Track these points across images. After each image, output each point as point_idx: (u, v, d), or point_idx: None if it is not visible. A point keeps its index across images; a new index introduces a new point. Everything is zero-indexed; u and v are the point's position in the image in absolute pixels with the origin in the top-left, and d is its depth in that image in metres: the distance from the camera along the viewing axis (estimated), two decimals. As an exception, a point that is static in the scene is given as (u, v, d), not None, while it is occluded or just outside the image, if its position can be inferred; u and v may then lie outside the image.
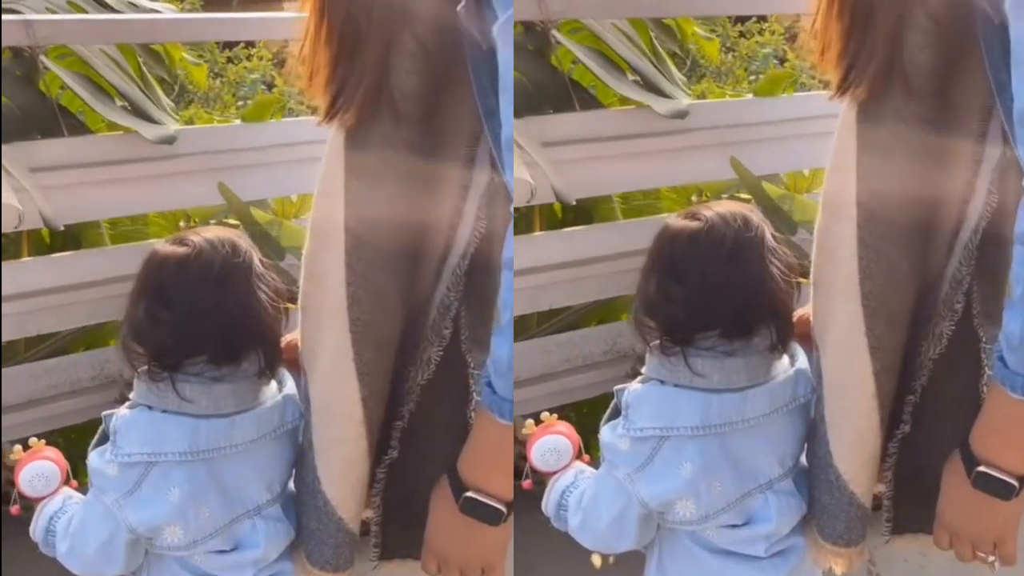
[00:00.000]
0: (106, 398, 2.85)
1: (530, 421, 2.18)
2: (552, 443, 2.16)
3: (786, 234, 3.06)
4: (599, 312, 3.05)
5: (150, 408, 2.04)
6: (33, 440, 2.19)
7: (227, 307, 2.02)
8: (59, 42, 2.58)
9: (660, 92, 3.15)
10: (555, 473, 2.15)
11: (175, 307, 2.01)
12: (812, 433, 2.07)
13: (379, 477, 2.04)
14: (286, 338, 2.09)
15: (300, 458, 2.06)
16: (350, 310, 1.94)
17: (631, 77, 3.16)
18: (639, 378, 2.09)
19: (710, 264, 2.01)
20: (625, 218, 3.11)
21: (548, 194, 2.92)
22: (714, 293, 2.01)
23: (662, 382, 2.05)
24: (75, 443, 2.82)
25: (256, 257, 2.06)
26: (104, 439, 2.09)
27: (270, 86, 3.39)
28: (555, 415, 2.21)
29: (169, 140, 2.72)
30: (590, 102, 3.12)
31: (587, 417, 2.76)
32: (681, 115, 3.07)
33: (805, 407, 2.09)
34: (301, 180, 3.00)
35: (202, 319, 2.01)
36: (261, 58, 3.48)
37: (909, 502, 2.07)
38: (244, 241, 2.06)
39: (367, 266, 1.92)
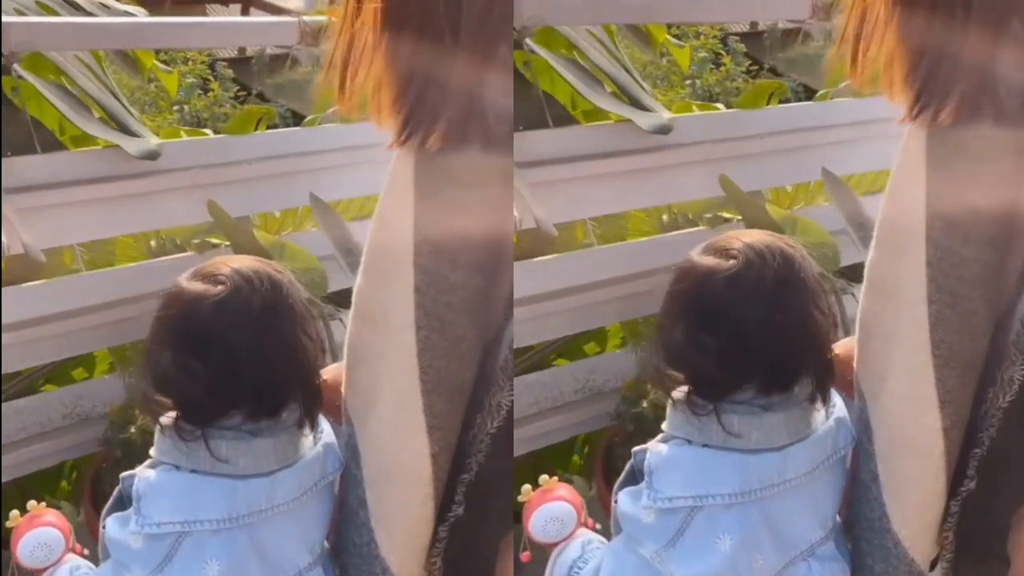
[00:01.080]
0: (80, 438, 2.61)
1: (527, 486, 1.96)
2: (554, 511, 1.95)
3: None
4: (568, 348, 2.84)
5: (177, 468, 1.81)
6: (32, 504, 1.94)
7: (269, 354, 1.79)
8: (38, 48, 2.31)
9: (640, 105, 2.95)
10: (557, 544, 1.94)
11: (211, 357, 1.78)
12: (860, 492, 1.86)
13: (441, 536, 1.84)
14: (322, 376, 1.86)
15: (347, 517, 1.85)
16: (420, 356, 1.74)
17: (608, 89, 2.97)
18: (660, 436, 1.87)
19: (750, 310, 1.79)
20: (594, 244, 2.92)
21: (529, 221, 2.73)
22: (754, 343, 1.79)
23: (689, 441, 1.83)
24: (48, 488, 2.60)
25: (299, 294, 1.83)
26: (121, 503, 1.85)
27: (205, 90, 3.17)
28: (554, 478, 2.00)
29: (153, 155, 2.47)
30: (565, 118, 2.92)
31: (558, 463, 2.67)
32: (665, 130, 2.86)
33: (843, 459, 1.89)
34: (286, 194, 2.80)
35: (242, 369, 1.78)
36: (196, 61, 3.24)
37: (970, 565, 1.89)
38: (284, 276, 1.83)
39: (443, 308, 1.72)
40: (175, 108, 2.97)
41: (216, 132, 2.80)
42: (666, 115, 2.90)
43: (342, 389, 1.84)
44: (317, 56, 3.00)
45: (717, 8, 3.10)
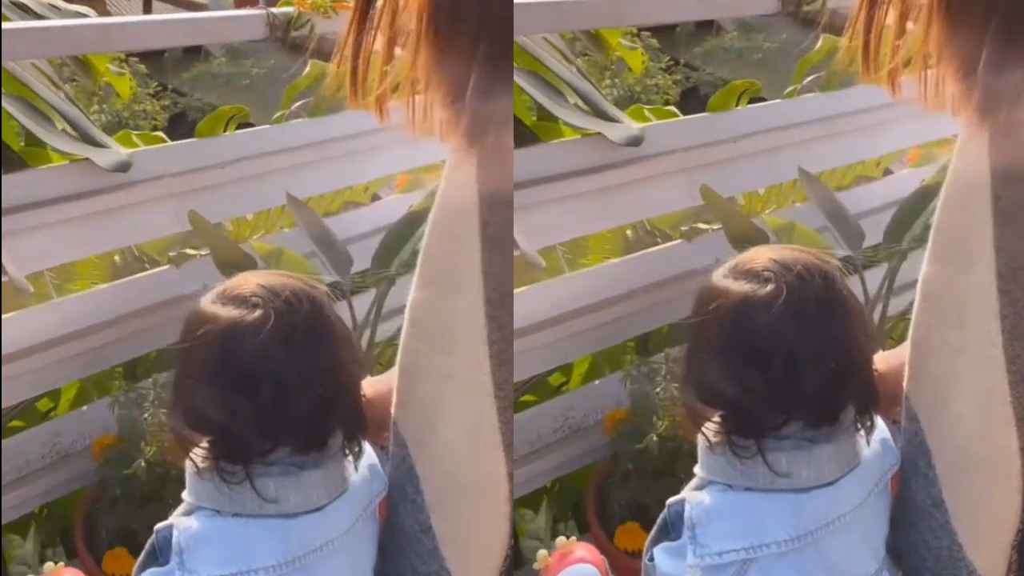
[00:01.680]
0: (59, 478, 2.42)
1: (543, 552, 1.83)
2: (579, 574, 1.81)
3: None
4: (538, 387, 2.68)
5: (218, 512, 1.64)
6: (48, 566, 1.79)
7: (317, 380, 1.64)
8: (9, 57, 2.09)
9: (605, 116, 2.78)
10: None
11: (257, 390, 1.62)
12: (919, 520, 1.72)
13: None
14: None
15: (405, 543, 1.71)
16: (495, 374, 1.56)
17: (571, 100, 2.82)
18: (693, 483, 1.71)
19: (796, 338, 1.62)
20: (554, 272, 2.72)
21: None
22: (803, 374, 1.63)
23: (730, 486, 1.67)
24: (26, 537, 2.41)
25: (335, 310, 1.69)
26: (154, 555, 1.67)
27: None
28: (573, 537, 1.89)
29: (124, 167, 2.27)
30: (526, 135, 2.75)
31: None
32: (636, 142, 2.68)
33: (888, 483, 1.74)
34: (259, 196, 2.62)
35: (290, 400, 1.62)
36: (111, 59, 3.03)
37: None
38: (319, 291, 1.68)
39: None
40: (94, 110, 2.78)
41: (138, 130, 2.62)
42: (635, 126, 2.72)
43: (392, 408, 1.69)
44: (233, 48, 2.83)
45: (685, 6, 2.98)
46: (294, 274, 1.72)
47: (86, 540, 2.31)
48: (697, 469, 1.71)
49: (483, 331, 1.59)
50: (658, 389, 2.60)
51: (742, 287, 1.64)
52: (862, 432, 1.70)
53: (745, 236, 2.65)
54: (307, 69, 2.62)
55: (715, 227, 2.76)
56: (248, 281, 1.66)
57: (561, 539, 1.84)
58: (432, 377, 1.65)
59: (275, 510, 1.62)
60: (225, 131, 2.48)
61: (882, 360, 1.74)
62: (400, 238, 2.58)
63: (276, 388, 1.61)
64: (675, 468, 2.50)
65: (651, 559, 1.72)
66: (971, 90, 1.61)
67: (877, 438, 1.72)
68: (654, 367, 2.63)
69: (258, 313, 1.62)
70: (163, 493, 2.32)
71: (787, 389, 1.63)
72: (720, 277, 1.67)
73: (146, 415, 2.33)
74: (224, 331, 1.61)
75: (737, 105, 2.87)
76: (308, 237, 2.53)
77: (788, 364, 1.62)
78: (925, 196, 2.65)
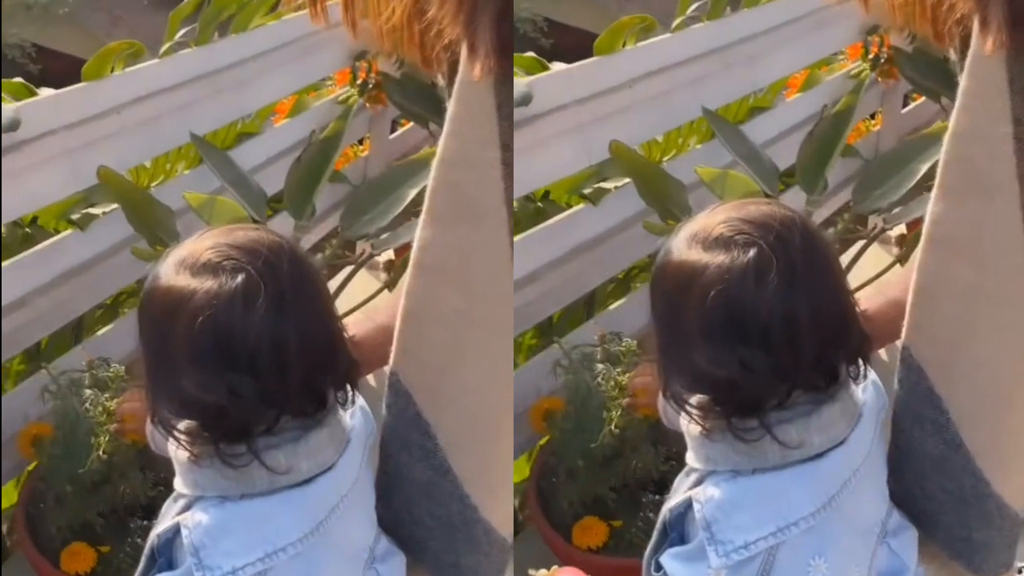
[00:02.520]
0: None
1: None
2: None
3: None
4: None
5: (224, 499, 1.49)
6: None
7: (313, 342, 1.48)
8: None
9: None
10: None
11: (256, 366, 1.44)
12: (935, 466, 1.63)
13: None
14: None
15: (420, 490, 1.61)
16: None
17: None
18: (691, 477, 1.56)
19: (792, 305, 1.46)
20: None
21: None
22: (804, 341, 1.48)
23: (736, 472, 1.53)
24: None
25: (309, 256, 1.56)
26: (152, 560, 1.53)
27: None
28: (554, 567, 1.89)
29: (14, 125, 2.02)
30: None
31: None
32: (526, 100, 2.36)
33: (883, 422, 1.65)
34: (158, 140, 2.38)
35: (291, 368, 1.46)
36: None
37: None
38: (287, 239, 1.52)
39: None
40: None
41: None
42: (522, 82, 2.40)
43: (391, 356, 1.57)
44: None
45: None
46: (252, 226, 1.55)
47: (35, 543, 2.08)
48: (691, 461, 1.57)
49: (509, 265, 1.46)
50: (599, 377, 2.37)
51: (718, 258, 1.47)
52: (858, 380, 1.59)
53: (662, 191, 2.42)
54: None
55: (617, 184, 2.51)
56: (210, 244, 1.47)
57: (542, 571, 1.82)
58: (447, 321, 1.52)
59: (288, 480, 1.49)
60: (114, 71, 2.23)
61: (867, 301, 1.62)
62: (314, 169, 2.38)
63: (276, 358, 1.45)
64: (624, 450, 2.36)
65: (657, 568, 1.58)
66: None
67: (868, 381, 1.60)
68: (586, 353, 2.42)
69: (240, 279, 1.44)
70: (112, 476, 2.14)
71: (788, 359, 1.47)
72: (684, 250, 1.50)
73: (86, 403, 2.11)
74: (207, 306, 1.43)
75: (624, 45, 2.57)
76: (220, 178, 2.31)
77: (787, 333, 1.46)
78: (836, 124, 2.51)
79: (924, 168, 2.42)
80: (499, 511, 1.63)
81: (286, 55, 2.69)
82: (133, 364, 2.36)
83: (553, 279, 2.45)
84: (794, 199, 2.56)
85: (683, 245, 1.49)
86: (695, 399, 1.51)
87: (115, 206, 2.26)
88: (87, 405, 2.14)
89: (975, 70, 1.50)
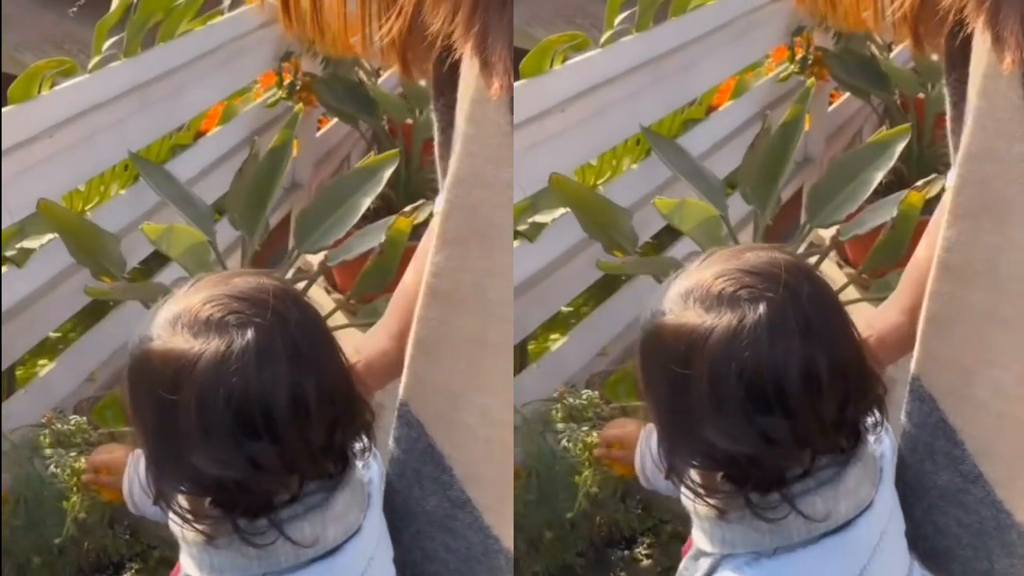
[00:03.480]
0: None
1: None
2: None
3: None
4: None
5: None
6: None
7: (330, 395, 1.34)
8: None
9: None
10: None
11: (275, 432, 1.30)
12: (951, 500, 1.55)
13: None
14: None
15: (433, 526, 1.53)
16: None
17: None
18: (705, 563, 1.41)
19: (810, 363, 1.33)
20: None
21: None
22: (824, 402, 1.34)
23: (758, 554, 1.39)
24: None
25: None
26: None
27: None
28: None
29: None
30: None
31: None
32: None
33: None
34: (92, 161, 2.22)
35: (312, 429, 1.32)
36: None
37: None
38: (287, 282, 1.51)
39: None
40: None
41: None
42: None
43: (400, 389, 1.49)
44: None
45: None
46: (248, 271, 1.41)
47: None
48: (702, 544, 1.42)
49: (512, 288, 1.39)
50: (564, 440, 2.15)
51: (724, 318, 1.33)
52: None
53: (607, 221, 2.26)
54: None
55: (554, 217, 2.28)
56: (207, 296, 1.32)
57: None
58: (461, 347, 1.45)
59: (315, 552, 1.35)
60: (41, 91, 2.06)
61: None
62: (263, 182, 2.24)
63: (296, 418, 1.31)
64: (592, 512, 2.17)
65: None
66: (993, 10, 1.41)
67: (886, 423, 1.48)
68: (539, 411, 2.20)
69: (250, 334, 1.30)
70: (80, 537, 1.94)
71: (811, 423, 1.34)
72: (680, 311, 1.35)
73: (49, 464, 1.91)
74: (217, 369, 1.28)
75: (552, 65, 2.36)
76: (163, 196, 2.16)
77: (808, 394, 1.33)
78: (785, 136, 2.40)
79: (879, 176, 2.34)
80: (510, 540, 1.56)
81: (213, 61, 2.56)
82: (84, 404, 2.22)
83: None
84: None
85: (677, 306, 1.35)
86: (705, 476, 1.36)
87: (51, 236, 2.10)
88: (53, 468, 1.94)
89: (987, 89, 1.44)
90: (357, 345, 1.53)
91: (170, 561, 1.57)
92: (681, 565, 1.47)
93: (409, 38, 1.39)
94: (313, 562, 1.36)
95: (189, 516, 1.32)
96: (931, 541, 1.57)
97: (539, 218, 2.25)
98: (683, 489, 1.38)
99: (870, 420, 1.42)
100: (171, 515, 1.33)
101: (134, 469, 1.58)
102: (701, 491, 1.37)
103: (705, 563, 1.41)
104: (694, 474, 1.37)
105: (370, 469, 1.47)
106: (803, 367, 1.32)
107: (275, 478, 1.31)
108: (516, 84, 2.33)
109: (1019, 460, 1.54)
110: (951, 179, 1.50)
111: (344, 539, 1.38)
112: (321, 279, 2.62)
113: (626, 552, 2.15)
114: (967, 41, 1.42)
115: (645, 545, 2.14)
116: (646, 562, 2.16)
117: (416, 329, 1.46)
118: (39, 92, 2.07)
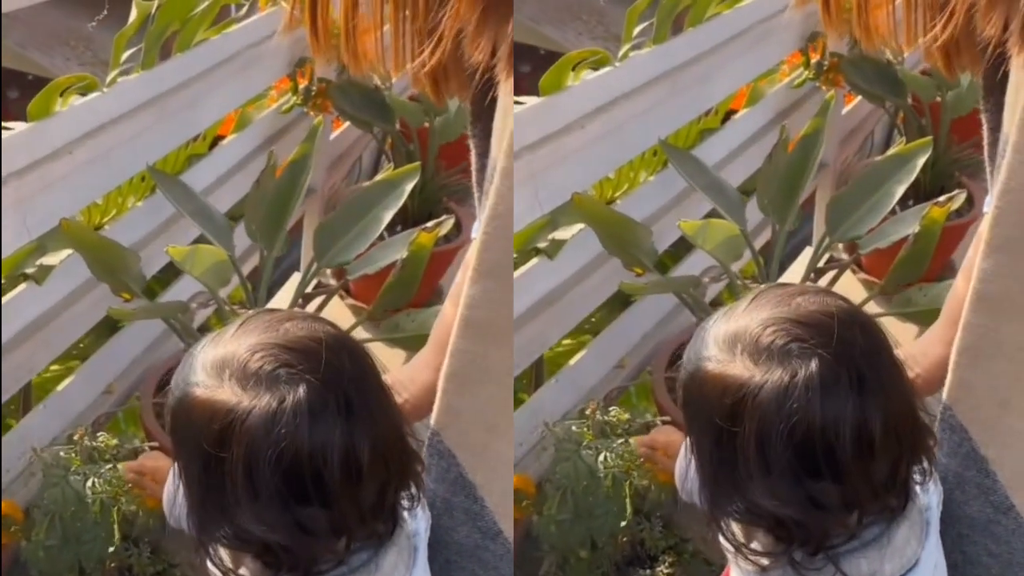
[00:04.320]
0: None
1: None
2: None
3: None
4: None
5: None
6: None
7: (383, 452, 1.28)
8: None
9: None
10: None
11: (326, 494, 1.24)
12: (982, 530, 1.52)
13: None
14: None
15: (464, 558, 1.51)
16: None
17: None
18: None
19: (863, 421, 1.27)
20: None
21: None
22: (876, 460, 1.29)
23: None
24: None
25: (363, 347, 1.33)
26: None
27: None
28: None
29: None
30: None
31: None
32: None
33: None
34: (109, 175, 2.20)
35: (363, 487, 1.26)
36: None
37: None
38: (339, 329, 1.32)
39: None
40: None
41: None
42: None
43: (431, 418, 1.48)
44: None
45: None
46: (298, 314, 1.33)
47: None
48: None
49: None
50: (602, 455, 2.10)
51: (774, 375, 1.26)
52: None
53: (628, 239, 2.25)
54: (133, 13, 2.20)
55: (572, 233, 2.28)
56: (255, 344, 1.26)
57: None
58: (494, 377, 1.44)
59: None
60: (59, 108, 2.04)
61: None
62: (283, 196, 2.22)
63: (348, 479, 1.25)
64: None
65: None
66: None
67: (933, 474, 1.44)
68: (573, 429, 2.15)
69: (302, 391, 1.23)
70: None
71: (862, 486, 1.29)
72: (726, 361, 1.29)
73: (90, 480, 1.86)
74: (267, 429, 1.22)
75: (572, 82, 2.30)
76: (181, 210, 2.15)
77: (859, 457, 1.27)
78: (805, 149, 2.37)
79: (900, 190, 2.32)
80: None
81: (229, 69, 2.54)
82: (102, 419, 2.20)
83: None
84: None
85: (723, 353, 1.30)
86: (747, 529, 1.32)
87: (69, 252, 2.09)
88: (93, 481, 1.90)
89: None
90: (399, 380, 1.48)
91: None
92: None
93: (448, 68, 1.36)
94: None
95: (230, 569, 1.27)
96: (960, 570, 1.55)
97: (559, 235, 2.25)
98: (722, 540, 1.34)
99: (917, 472, 1.37)
100: (210, 566, 1.28)
101: (173, 484, 1.48)
102: (742, 546, 1.33)
103: None
104: (735, 525, 1.33)
105: (416, 519, 1.40)
106: (856, 429, 1.27)
107: (323, 543, 1.25)
108: (538, 102, 2.41)
109: None
110: (987, 206, 1.49)
111: None
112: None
113: (648, 572, 2.13)
114: (1007, 71, 1.41)
115: (667, 564, 2.13)
116: (669, 581, 2.15)
117: (449, 361, 1.44)
118: (58, 108, 2.06)
